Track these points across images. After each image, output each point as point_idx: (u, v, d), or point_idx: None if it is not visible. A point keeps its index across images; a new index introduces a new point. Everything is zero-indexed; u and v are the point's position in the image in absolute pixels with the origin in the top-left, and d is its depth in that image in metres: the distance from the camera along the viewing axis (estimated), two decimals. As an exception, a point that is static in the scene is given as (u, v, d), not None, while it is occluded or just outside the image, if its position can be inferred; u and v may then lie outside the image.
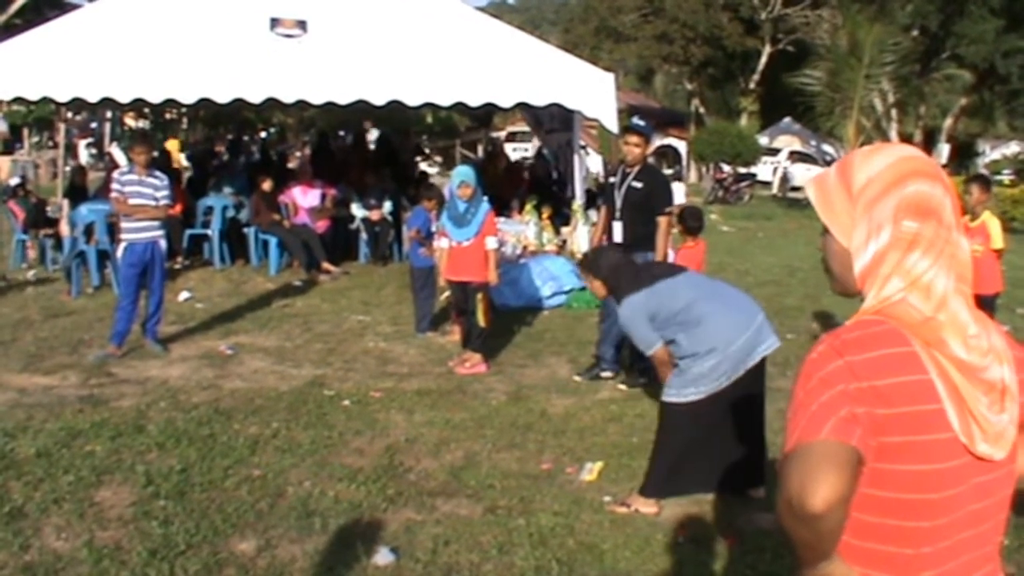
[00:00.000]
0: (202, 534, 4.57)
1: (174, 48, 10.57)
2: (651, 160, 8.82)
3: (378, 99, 10.83)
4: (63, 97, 11.01)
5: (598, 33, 41.94)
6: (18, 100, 14.09)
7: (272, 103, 11.73)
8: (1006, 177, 30.85)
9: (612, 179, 7.78)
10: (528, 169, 16.01)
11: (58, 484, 5.13)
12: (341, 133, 25.14)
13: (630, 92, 43.75)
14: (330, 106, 11.49)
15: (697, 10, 37.49)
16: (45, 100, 11.87)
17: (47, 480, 5.18)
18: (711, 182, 29.59)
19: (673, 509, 5.02)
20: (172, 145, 20.96)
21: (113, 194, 8.09)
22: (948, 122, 35.13)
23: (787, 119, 36.38)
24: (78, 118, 26.26)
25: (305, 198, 13.04)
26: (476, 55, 11.20)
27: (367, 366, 7.98)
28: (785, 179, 31.58)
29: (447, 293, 8.84)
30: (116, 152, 16.66)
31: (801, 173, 30.13)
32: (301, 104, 12.08)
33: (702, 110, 42.66)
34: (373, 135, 20.44)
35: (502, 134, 33.45)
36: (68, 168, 15.42)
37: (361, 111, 12.97)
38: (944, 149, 32.19)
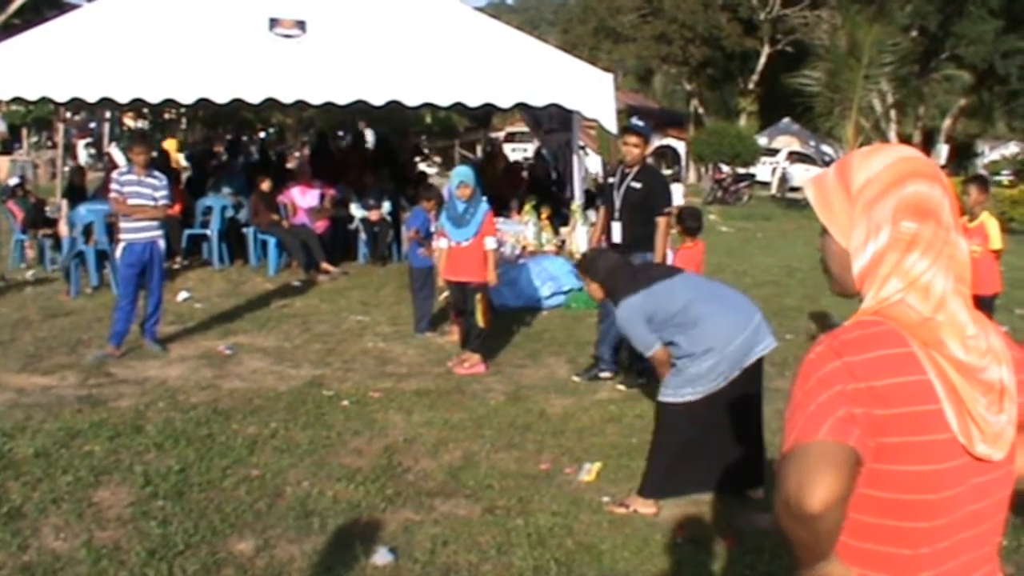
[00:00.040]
0: (200, 534, 4.57)
1: (173, 48, 10.57)
2: (650, 160, 8.82)
3: (377, 99, 10.83)
4: (62, 97, 11.01)
5: (597, 33, 41.94)
6: (17, 100, 14.08)
7: (271, 103, 11.73)
8: (1005, 178, 30.88)
9: (611, 179, 7.78)
10: (527, 169, 16.01)
11: (56, 484, 5.13)
12: (340, 133, 25.14)
13: (629, 92, 43.75)
14: (329, 106, 11.49)
15: (696, 10, 37.49)
16: (44, 100, 11.87)
17: (45, 480, 5.18)
18: (710, 182, 29.59)
19: (672, 509, 5.02)
20: (170, 145, 20.93)
21: (112, 194, 8.09)
22: (947, 123, 35.16)
23: (786, 120, 36.40)
24: (77, 118, 26.26)
25: (304, 198, 13.04)
26: (475, 55, 11.20)
27: (366, 366, 7.98)
28: (784, 179, 31.59)
29: (446, 293, 8.84)
30: (115, 152, 16.64)
31: (800, 173, 30.13)
32: (300, 104, 12.08)
33: (701, 110, 42.66)
34: (369, 135, 20.46)
35: (501, 134, 33.48)
36: (67, 168, 15.40)
37: (360, 111, 12.97)
38: (943, 150, 32.21)
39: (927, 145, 32.50)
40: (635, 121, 7.81)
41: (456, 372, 7.80)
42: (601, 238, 7.82)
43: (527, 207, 12.51)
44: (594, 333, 8.05)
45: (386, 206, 13.33)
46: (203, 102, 11.12)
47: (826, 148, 31.71)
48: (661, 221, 7.42)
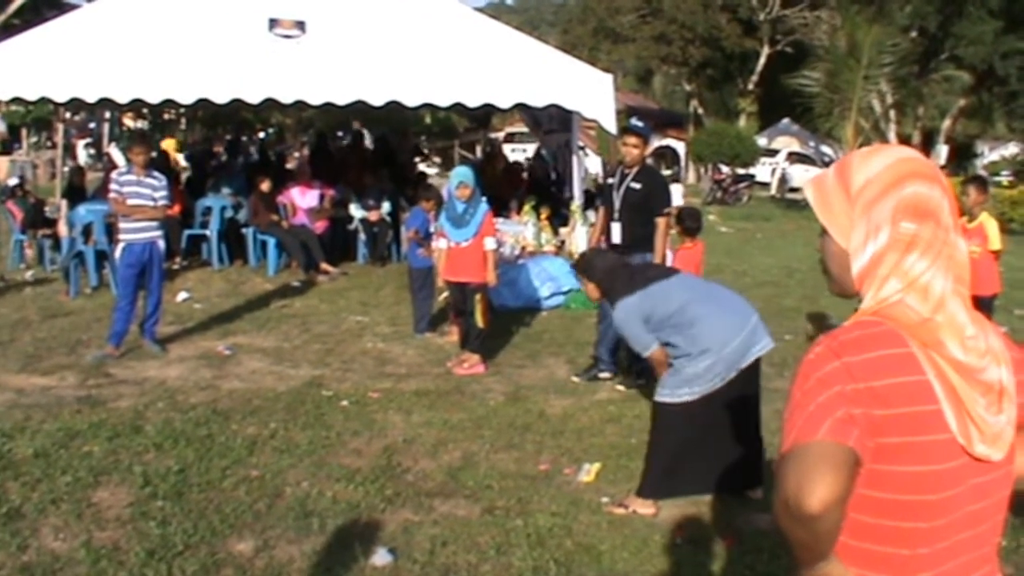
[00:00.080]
0: (200, 534, 4.57)
1: (173, 48, 10.57)
2: (649, 161, 8.82)
3: (377, 100, 10.84)
4: (61, 97, 11.02)
5: (596, 34, 41.95)
6: (16, 100, 14.08)
7: (271, 103, 11.74)
8: (1004, 178, 30.89)
9: (610, 180, 7.78)
10: (527, 170, 16.02)
11: (56, 484, 5.13)
12: (340, 134, 25.14)
13: (628, 93, 43.76)
14: (328, 107, 11.49)
15: (695, 11, 37.50)
16: (43, 100, 11.87)
17: (45, 480, 5.18)
18: (709, 183, 29.60)
19: (671, 510, 5.02)
20: (169, 144, 20.94)
21: (111, 194, 8.09)
22: (946, 123, 35.17)
23: (785, 120, 36.41)
24: (76, 118, 26.28)
25: (303, 199, 13.04)
26: (475, 56, 11.20)
27: (365, 367, 7.98)
28: (783, 180, 31.60)
29: (445, 294, 8.84)
30: (114, 152, 16.67)
31: (799, 174, 30.14)
32: (300, 105, 12.09)
33: (700, 111, 42.67)
34: (365, 135, 20.47)
35: (500, 135, 33.49)
36: (66, 168, 15.40)
37: (357, 111, 12.97)
38: (942, 150, 32.23)
39: (926, 146, 32.52)
40: (634, 122, 7.82)
41: (455, 372, 7.80)
42: (600, 239, 7.82)
43: (526, 207, 12.51)
44: (593, 334, 8.05)
45: (385, 206, 13.34)
46: (203, 102, 11.13)
47: (825, 149, 31.70)
48: (660, 222, 7.42)
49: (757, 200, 28.72)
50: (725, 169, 30.11)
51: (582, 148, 15.94)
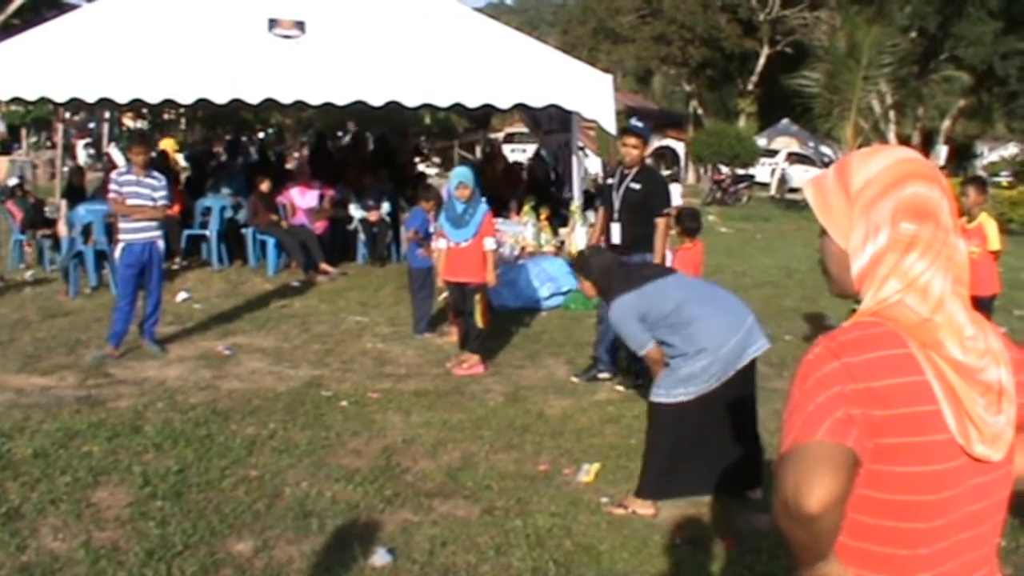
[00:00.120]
0: (199, 535, 4.57)
1: (172, 48, 10.57)
2: (649, 161, 8.82)
3: (376, 100, 10.84)
4: (61, 97, 11.01)
5: (596, 34, 41.95)
6: (16, 100, 14.09)
7: (270, 104, 11.74)
8: (1004, 179, 30.89)
9: (610, 180, 7.78)
10: (526, 170, 16.02)
11: (55, 485, 5.13)
12: (339, 134, 25.13)
13: (628, 93, 43.79)
14: (328, 107, 11.50)
15: (695, 11, 37.51)
16: (43, 100, 11.87)
17: (44, 480, 5.18)
18: (709, 183, 29.61)
19: (670, 510, 5.02)
20: (167, 144, 20.93)
21: (111, 195, 8.09)
22: (946, 124, 35.18)
23: (785, 120, 36.42)
24: (76, 118, 26.28)
25: (303, 199, 13.04)
26: (474, 56, 11.20)
27: (365, 367, 7.98)
28: (783, 180, 31.61)
29: (445, 294, 8.84)
30: (114, 152, 16.67)
31: (799, 174, 30.15)
32: (299, 105, 12.09)
33: (700, 111, 42.68)
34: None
35: (500, 135, 33.49)
36: (66, 168, 15.39)
37: (354, 111, 12.97)
38: (942, 151, 32.24)
39: (926, 146, 32.53)
40: (634, 122, 7.82)
41: (455, 373, 7.80)
42: (600, 239, 7.81)
43: (526, 208, 12.51)
44: (593, 334, 8.05)
45: (385, 207, 13.34)
46: (202, 102, 11.13)
47: (825, 149, 31.72)
48: (660, 222, 7.42)
49: (756, 200, 28.73)
50: (725, 169, 30.12)
51: (582, 148, 15.94)
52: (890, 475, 1.63)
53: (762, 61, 39.46)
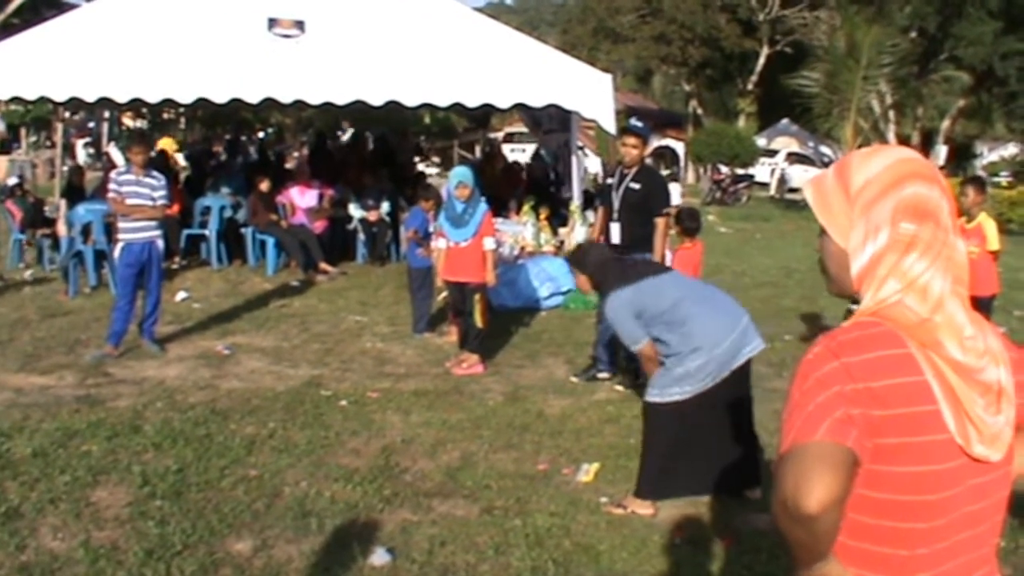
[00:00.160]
0: (198, 534, 4.57)
1: (172, 48, 10.57)
2: (649, 161, 8.82)
3: (376, 99, 10.84)
4: (61, 97, 11.02)
5: (596, 34, 41.94)
6: (16, 100, 14.10)
7: (270, 103, 11.74)
8: (1003, 179, 30.91)
9: (609, 180, 7.78)
10: (526, 170, 16.02)
11: (54, 484, 5.12)
12: (339, 132, 25.12)
13: (628, 93, 43.76)
14: (328, 106, 11.50)
15: (695, 11, 37.51)
16: (43, 100, 11.88)
17: (43, 480, 5.18)
18: (709, 183, 29.61)
19: (670, 510, 5.02)
20: (166, 143, 20.93)
21: (110, 194, 8.08)
22: (946, 124, 35.18)
23: (785, 120, 36.42)
24: (76, 118, 26.26)
25: (303, 198, 13.04)
26: (474, 56, 11.20)
27: (364, 366, 7.98)
28: (783, 180, 31.62)
29: (444, 294, 8.84)
30: (114, 152, 16.65)
31: (799, 174, 30.15)
32: (299, 104, 12.09)
33: (700, 111, 42.68)
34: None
35: (500, 135, 33.49)
36: (66, 168, 15.40)
37: (357, 111, 12.97)
38: (942, 151, 32.25)
39: (926, 146, 32.54)
40: (634, 122, 7.82)
41: (454, 372, 7.80)
42: (600, 239, 7.81)
43: (526, 208, 12.52)
44: (592, 334, 8.05)
45: (385, 206, 13.34)
46: (202, 102, 11.12)
47: (825, 149, 31.73)
48: (660, 222, 7.42)
49: (756, 200, 28.73)
50: (724, 169, 30.12)
51: (581, 148, 15.94)
52: (889, 475, 1.63)
53: (762, 61, 39.45)
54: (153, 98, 10.98)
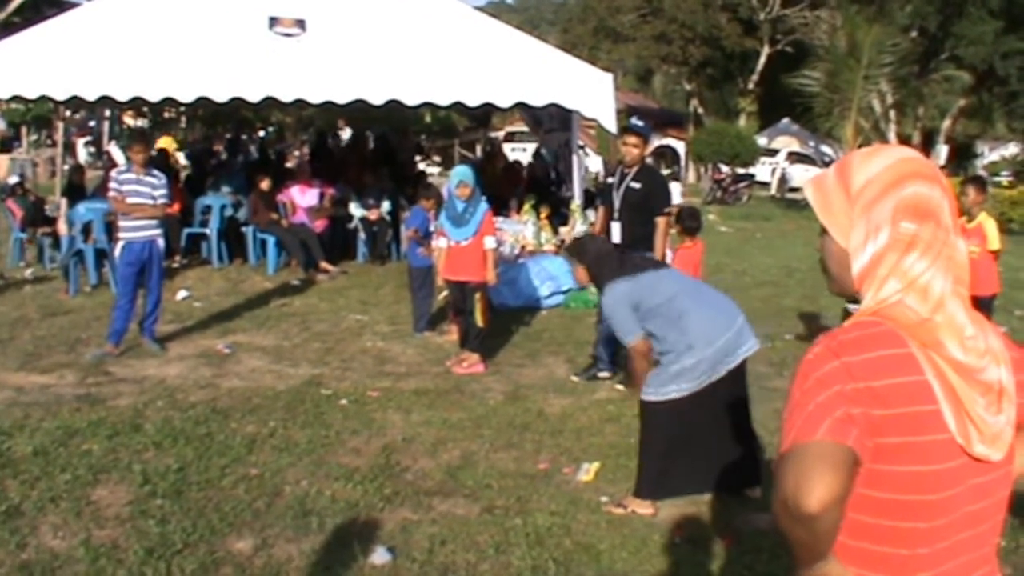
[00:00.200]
0: (199, 533, 4.57)
1: (173, 47, 10.57)
2: (649, 160, 8.82)
3: (377, 98, 10.84)
4: (61, 95, 11.02)
5: (597, 33, 41.92)
6: (17, 98, 14.08)
7: (271, 102, 11.74)
8: (1004, 179, 30.89)
9: (610, 179, 7.78)
10: (526, 169, 16.02)
11: (55, 483, 5.13)
12: (338, 133, 25.11)
13: (629, 92, 43.71)
14: (329, 105, 11.50)
15: (696, 10, 37.48)
16: (43, 98, 11.88)
17: (44, 479, 5.18)
18: (709, 182, 29.59)
19: (670, 510, 5.02)
20: (166, 142, 20.92)
21: (111, 193, 8.09)
22: (947, 123, 35.15)
23: (785, 120, 36.38)
24: (76, 117, 26.25)
25: (303, 197, 13.04)
26: (475, 55, 11.20)
27: (365, 365, 7.98)
28: (783, 180, 31.60)
29: (445, 293, 8.84)
30: (114, 151, 16.63)
31: (799, 174, 30.14)
32: (300, 103, 12.09)
33: (701, 110, 42.66)
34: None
35: (500, 134, 33.46)
36: (66, 167, 15.42)
37: (356, 110, 12.98)
38: (942, 150, 32.21)
39: (926, 146, 32.51)
40: (635, 121, 7.82)
41: (455, 371, 7.80)
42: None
43: (526, 207, 12.52)
44: (593, 333, 8.05)
45: (385, 205, 13.34)
46: (203, 101, 11.12)
47: (825, 148, 31.71)
48: (660, 221, 7.43)
49: (757, 200, 28.72)
50: (725, 169, 30.10)
51: (582, 147, 15.94)
52: (890, 474, 1.63)
53: (762, 60, 39.43)
54: (154, 97, 10.99)
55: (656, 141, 33.18)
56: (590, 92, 11.15)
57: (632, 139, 7.49)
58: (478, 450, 5.93)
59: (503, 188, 13.51)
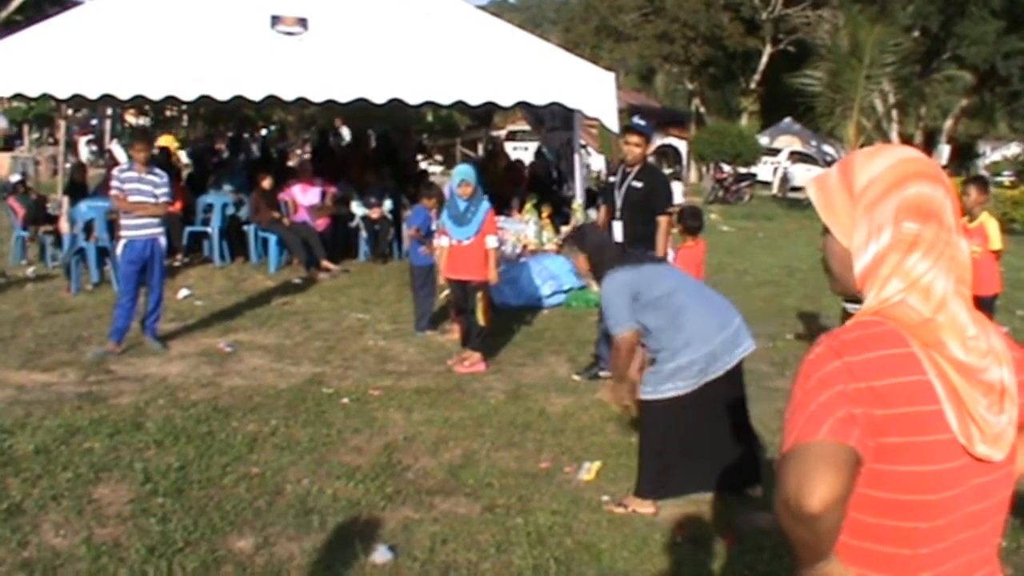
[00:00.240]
0: (200, 531, 4.57)
1: (174, 45, 10.57)
2: (651, 160, 8.82)
3: (379, 97, 10.84)
4: (63, 94, 11.03)
5: (599, 32, 41.91)
6: (19, 97, 14.09)
7: (272, 101, 11.74)
8: (1006, 179, 30.87)
9: (612, 179, 7.78)
10: (528, 168, 16.02)
11: (56, 481, 5.13)
12: (339, 133, 25.14)
13: (631, 91, 43.72)
14: (330, 104, 11.50)
15: (698, 10, 37.46)
16: (45, 97, 11.88)
17: (45, 477, 5.18)
18: (711, 182, 29.57)
19: (671, 509, 5.02)
20: (166, 140, 20.92)
21: (113, 191, 8.09)
22: (949, 123, 35.11)
23: (787, 119, 36.36)
24: (78, 115, 26.26)
25: (305, 196, 13.04)
26: (477, 54, 11.20)
27: (366, 364, 7.98)
28: (785, 179, 31.58)
29: (447, 292, 8.84)
30: (116, 149, 16.64)
31: (801, 173, 30.13)
32: (301, 102, 12.09)
33: (703, 110, 42.63)
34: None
35: (502, 133, 33.44)
36: (68, 165, 15.41)
37: (360, 108, 12.98)
38: (944, 150, 32.17)
39: (929, 145, 32.45)
40: (637, 120, 7.82)
41: (456, 370, 7.80)
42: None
43: (528, 206, 12.52)
44: (594, 332, 8.05)
45: (387, 204, 13.34)
46: (204, 99, 11.13)
47: (827, 148, 31.70)
48: (662, 220, 7.43)
49: (759, 199, 28.70)
50: (727, 168, 30.07)
51: (584, 146, 15.93)
52: (892, 474, 1.63)
53: (764, 60, 39.38)
54: (156, 95, 11.00)
55: (658, 140, 33.17)
56: (592, 91, 11.15)
57: (634, 138, 7.49)
58: (479, 449, 5.93)
59: (505, 187, 13.52)
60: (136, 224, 7.95)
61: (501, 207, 11.33)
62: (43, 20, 11.80)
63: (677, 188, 18.30)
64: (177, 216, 12.02)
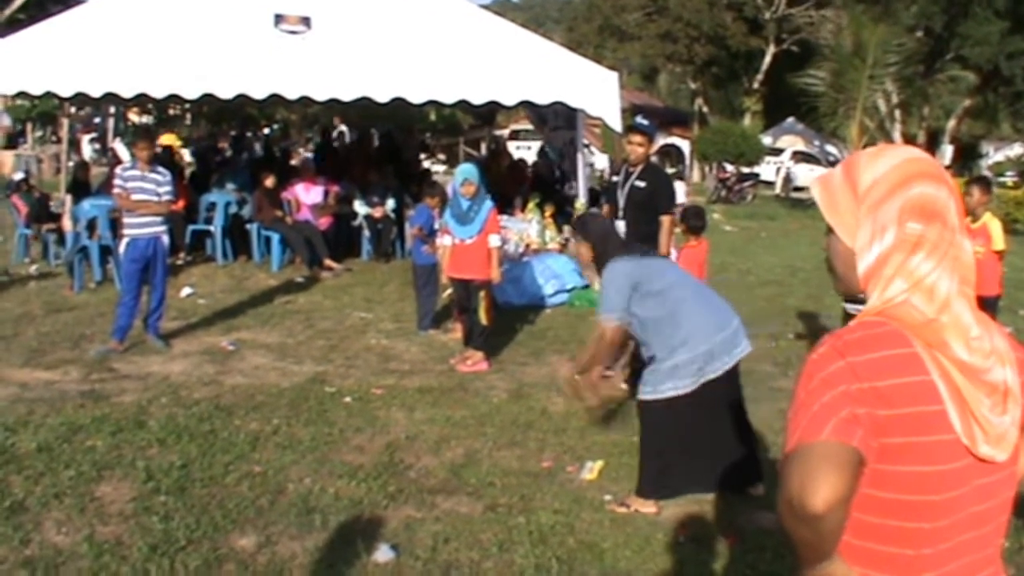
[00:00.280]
0: (202, 530, 4.58)
1: (178, 43, 10.57)
2: (654, 159, 8.81)
3: (382, 96, 10.84)
4: (66, 92, 11.03)
5: (602, 32, 41.90)
6: (22, 95, 14.09)
7: (276, 99, 11.74)
8: (1009, 179, 30.84)
9: (615, 178, 7.78)
10: (531, 167, 16.02)
11: (59, 479, 5.13)
12: (343, 129, 25.16)
13: (634, 91, 43.72)
14: (334, 103, 11.49)
15: (701, 9, 37.44)
16: (48, 95, 11.88)
17: (48, 475, 5.19)
18: (714, 182, 29.56)
19: (673, 508, 5.02)
20: (168, 139, 20.93)
21: (116, 190, 8.09)
22: (952, 123, 35.08)
23: (791, 119, 36.32)
24: (81, 113, 26.24)
25: (308, 195, 13.05)
26: (480, 53, 11.19)
27: (369, 363, 7.98)
28: (788, 179, 31.57)
29: (449, 291, 8.84)
30: (119, 147, 16.66)
31: (804, 173, 30.11)
32: (305, 101, 12.10)
33: (706, 109, 42.62)
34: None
35: (505, 132, 33.47)
36: (71, 163, 15.42)
37: (363, 107, 12.98)
38: (948, 150, 32.18)
39: (932, 146, 32.45)
40: (640, 120, 7.84)
41: (459, 370, 7.80)
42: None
43: (531, 205, 12.52)
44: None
45: (390, 203, 13.34)
46: (208, 98, 11.14)
47: (830, 148, 31.62)
48: (665, 220, 7.43)
49: (761, 199, 28.69)
50: (730, 168, 30.06)
51: (587, 146, 15.93)
52: (895, 475, 1.63)
53: (768, 59, 39.37)
54: (159, 94, 11.00)
55: (661, 140, 33.16)
56: (595, 90, 11.14)
57: (637, 138, 7.49)
58: (481, 448, 5.93)
59: (508, 186, 13.51)
60: (139, 222, 7.95)
61: (504, 206, 11.33)
62: (46, 18, 11.80)
63: (680, 188, 18.28)
64: (180, 214, 12.03)
